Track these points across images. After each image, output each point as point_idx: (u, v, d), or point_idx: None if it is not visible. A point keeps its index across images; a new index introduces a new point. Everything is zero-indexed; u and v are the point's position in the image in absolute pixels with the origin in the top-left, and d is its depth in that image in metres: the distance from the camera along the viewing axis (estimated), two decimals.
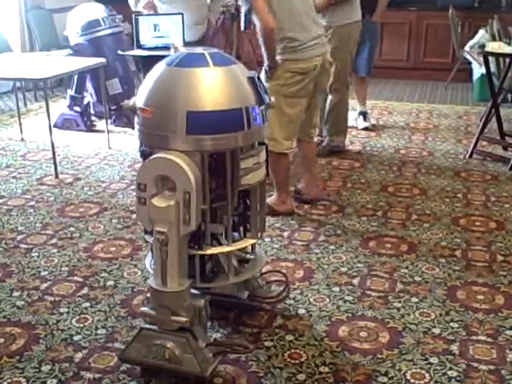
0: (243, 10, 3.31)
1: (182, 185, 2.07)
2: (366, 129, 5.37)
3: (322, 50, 3.39)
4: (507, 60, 4.79)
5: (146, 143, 2.24)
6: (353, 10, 4.41)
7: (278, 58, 3.31)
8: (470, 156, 4.67)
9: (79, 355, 2.36)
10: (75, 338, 2.46)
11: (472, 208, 3.76)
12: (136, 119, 2.23)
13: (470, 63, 6.67)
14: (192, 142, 2.09)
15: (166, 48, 4.29)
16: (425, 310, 2.66)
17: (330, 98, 4.51)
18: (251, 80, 2.20)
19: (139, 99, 2.20)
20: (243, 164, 2.21)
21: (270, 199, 3.54)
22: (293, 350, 2.40)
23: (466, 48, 6.49)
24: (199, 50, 2.27)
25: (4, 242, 3.29)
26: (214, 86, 2.13)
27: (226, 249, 2.30)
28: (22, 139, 5.12)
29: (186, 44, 4.54)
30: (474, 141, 4.70)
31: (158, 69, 2.20)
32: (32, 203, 3.82)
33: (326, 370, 2.28)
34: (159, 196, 2.12)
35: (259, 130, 2.23)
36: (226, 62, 2.21)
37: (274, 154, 3.21)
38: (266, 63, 3.31)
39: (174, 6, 4.75)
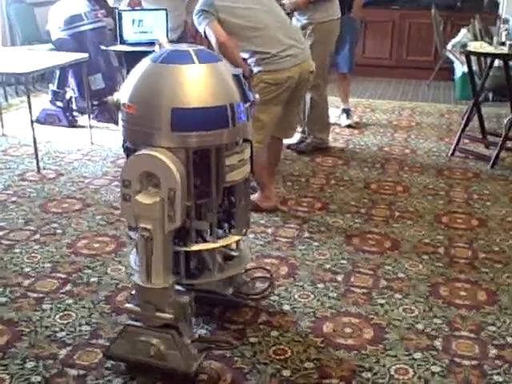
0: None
1: (167, 181, 2.06)
2: (349, 126, 5.40)
3: (296, 60, 3.40)
4: (489, 59, 4.83)
5: (130, 139, 2.23)
6: (333, 7, 4.48)
7: (253, 68, 3.35)
8: (452, 154, 4.71)
9: (63, 352, 2.35)
10: (59, 335, 2.45)
11: (454, 205, 3.80)
12: (120, 115, 2.22)
13: (452, 62, 6.73)
14: (177, 138, 2.09)
15: (150, 43, 4.30)
16: (408, 306, 2.69)
17: (308, 95, 4.51)
18: (236, 77, 2.20)
19: (123, 95, 2.18)
20: (228, 161, 2.20)
21: (254, 196, 3.55)
22: (278, 346, 2.40)
23: (448, 47, 6.54)
24: (184, 46, 2.27)
25: None
26: (199, 83, 2.12)
27: (210, 245, 2.29)
28: (3, 134, 5.07)
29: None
30: (455, 139, 4.75)
31: (143, 65, 2.19)
32: (14, 199, 3.79)
33: (311, 365, 2.30)
34: (144, 192, 2.11)
35: (244, 127, 2.23)
36: (211, 59, 2.21)
37: None
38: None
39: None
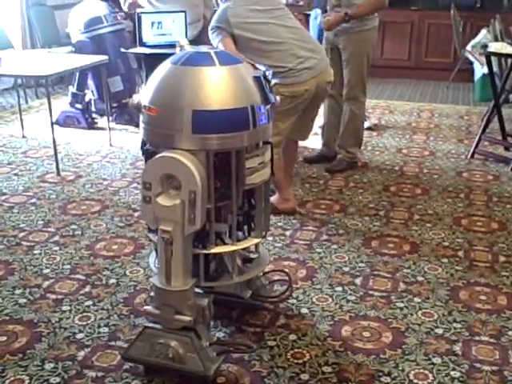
0: None
1: (188, 184, 2.06)
2: (367, 128, 5.36)
3: (313, 72, 3.39)
4: (510, 60, 4.79)
5: (151, 142, 2.24)
6: (372, 17, 4.27)
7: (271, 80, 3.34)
8: (472, 156, 4.67)
9: (82, 353, 2.36)
10: (78, 336, 2.46)
11: (474, 208, 3.76)
12: (141, 117, 2.22)
13: (471, 63, 6.68)
14: (198, 141, 2.09)
15: (169, 46, 4.30)
16: (427, 310, 2.67)
17: (347, 106, 4.35)
18: (257, 79, 2.20)
19: (144, 97, 2.19)
20: (248, 163, 2.20)
21: (273, 198, 3.54)
22: (296, 350, 2.40)
23: (468, 48, 6.49)
24: (205, 48, 2.27)
25: (6, 239, 3.29)
26: (220, 85, 2.12)
27: (230, 248, 2.29)
28: (24, 136, 5.11)
29: None
30: (475, 141, 4.71)
31: (164, 67, 2.20)
32: (33, 200, 3.82)
33: (329, 369, 2.28)
34: (164, 195, 2.12)
35: (264, 130, 2.23)
36: (231, 61, 2.21)
37: None
38: None
39: (168, 6, 4.74)
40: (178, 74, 2.14)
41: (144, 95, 2.20)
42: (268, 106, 2.22)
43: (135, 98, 2.25)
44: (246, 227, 2.41)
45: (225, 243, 2.30)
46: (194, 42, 4.70)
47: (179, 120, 2.08)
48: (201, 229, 2.16)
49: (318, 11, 5.11)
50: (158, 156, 2.12)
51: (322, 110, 4.58)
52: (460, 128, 5.51)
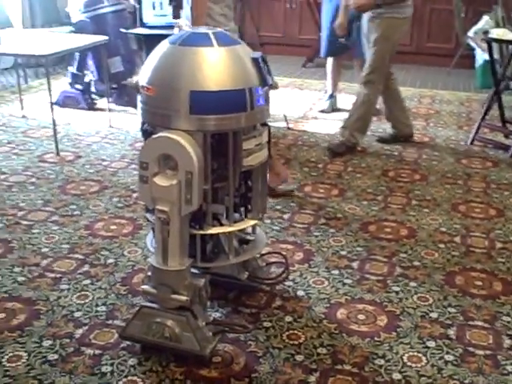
0: None
1: (185, 164, 2.07)
2: None
3: None
4: (511, 47, 4.77)
5: (149, 122, 2.24)
6: (405, 5, 4.22)
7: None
8: (472, 142, 4.67)
9: (80, 331, 2.38)
10: (76, 315, 2.48)
11: (472, 194, 3.77)
12: (139, 98, 2.22)
13: (473, 49, 6.64)
14: (195, 121, 2.09)
15: (169, 27, 4.27)
16: (423, 295, 2.68)
17: (361, 90, 4.34)
18: (255, 61, 2.18)
19: (142, 77, 2.19)
20: (245, 145, 2.20)
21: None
22: (291, 331, 2.41)
23: (470, 34, 6.46)
24: (203, 29, 2.27)
25: (5, 218, 3.30)
26: (217, 66, 2.12)
27: (227, 229, 2.30)
28: (23, 116, 5.11)
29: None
30: (475, 127, 4.71)
31: (162, 47, 2.19)
32: (33, 180, 3.83)
33: (324, 351, 2.30)
34: (161, 175, 2.12)
35: (262, 111, 2.22)
36: (230, 42, 2.20)
37: None
38: None
39: None
40: (176, 54, 2.14)
41: (142, 75, 2.20)
42: (265, 88, 2.21)
43: (134, 78, 2.25)
44: (243, 209, 2.42)
45: (222, 224, 2.31)
46: None
47: (176, 100, 2.08)
48: (198, 209, 2.16)
49: None
50: (155, 136, 2.12)
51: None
52: (460, 114, 5.50)
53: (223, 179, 2.24)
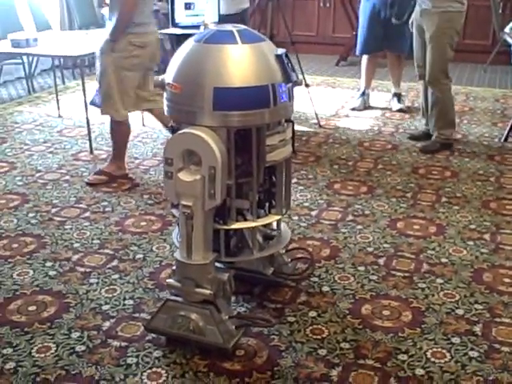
0: None
1: (208, 160, 2.11)
2: (400, 110, 5.33)
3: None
4: None
5: (174, 118, 2.28)
6: None
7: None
8: (505, 139, 4.60)
9: (107, 324, 2.44)
10: (104, 308, 2.54)
11: (504, 192, 3.72)
12: (165, 95, 2.27)
13: (510, 45, 6.52)
14: (218, 117, 2.12)
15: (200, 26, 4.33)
16: (449, 292, 2.66)
17: (430, 90, 4.32)
18: (279, 57, 2.21)
19: (168, 75, 2.23)
20: (269, 141, 2.23)
21: (106, 166, 3.86)
22: (315, 326, 2.43)
23: (506, 30, 6.34)
24: (228, 27, 2.29)
25: (39, 214, 3.39)
26: (241, 63, 2.15)
27: (250, 224, 2.33)
28: (60, 116, 5.23)
29: (222, 16, 4.56)
30: (509, 124, 4.63)
31: (187, 45, 2.23)
32: (67, 178, 3.92)
33: (347, 346, 2.31)
34: (185, 170, 2.16)
35: (285, 108, 2.24)
36: (254, 39, 2.23)
37: (114, 122, 3.81)
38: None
39: None
40: (200, 52, 2.17)
41: (168, 73, 2.25)
42: (289, 84, 2.23)
43: (160, 77, 2.29)
44: (267, 204, 2.44)
45: (246, 219, 2.34)
46: (237, 15, 4.69)
47: (201, 97, 2.11)
48: (222, 205, 2.20)
49: None
50: (179, 132, 2.16)
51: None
52: (495, 111, 5.42)
53: (247, 175, 2.27)
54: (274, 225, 2.54)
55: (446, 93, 4.34)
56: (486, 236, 3.16)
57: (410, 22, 4.46)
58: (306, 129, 4.86)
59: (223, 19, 4.62)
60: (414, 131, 4.76)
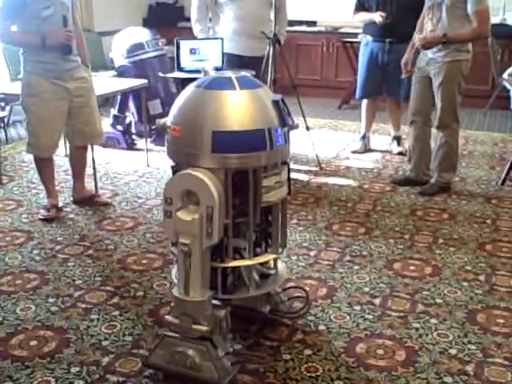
0: None
1: (206, 200, 2.19)
2: (399, 153, 5.43)
3: None
4: None
5: (174, 160, 2.38)
6: (467, 46, 4.25)
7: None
8: (503, 183, 4.68)
9: (106, 359, 2.49)
10: (103, 343, 2.59)
11: (500, 234, 3.78)
12: (166, 137, 2.37)
13: (508, 91, 6.66)
14: (217, 159, 2.22)
15: None
16: (443, 332, 2.71)
17: (438, 133, 4.41)
18: (275, 103, 2.31)
19: (170, 118, 2.34)
20: (266, 182, 2.32)
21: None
22: (310, 364, 2.47)
23: (504, 76, 6.48)
24: (228, 73, 2.41)
25: (43, 251, 3.47)
26: (239, 108, 2.25)
27: (247, 262, 2.40)
28: (66, 155, 5.33)
29: (247, 59, 4.71)
30: (506, 167, 4.71)
31: (188, 90, 2.35)
32: (72, 216, 4.01)
33: None
34: (184, 209, 2.25)
35: (281, 150, 2.34)
36: (251, 85, 2.34)
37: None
38: None
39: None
40: (200, 97, 2.28)
41: (170, 116, 2.35)
42: (285, 128, 2.33)
43: (161, 120, 2.40)
44: (263, 243, 2.51)
45: (243, 258, 2.41)
46: (260, 59, 4.78)
47: (200, 140, 2.21)
48: (219, 243, 2.28)
49: (369, 38, 5.21)
50: (179, 173, 2.25)
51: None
52: (493, 155, 5.51)
53: (244, 214, 2.35)
54: (271, 263, 2.61)
55: (454, 137, 4.42)
56: (481, 277, 3.21)
57: (402, 63, 4.58)
58: (306, 170, 4.96)
59: (246, 61, 4.75)
60: (398, 175, 4.84)
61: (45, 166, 4.05)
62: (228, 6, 4.88)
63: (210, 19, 5.09)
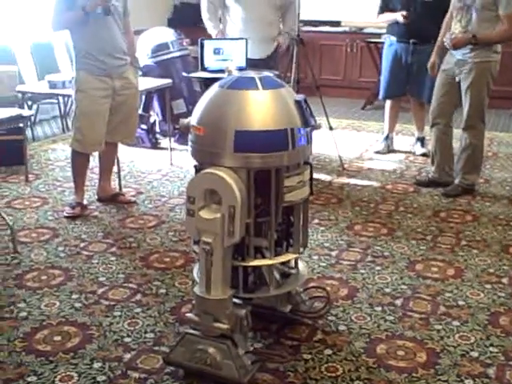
0: None
1: (228, 199, 2.21)
2: (423, 155, 5.40)
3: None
4: None
5: (198, 159, 2.40)
6: (496, 47, 4.23)
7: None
8: None
9: (128, 356, 2.52)
10: (125, 340, 2.62)
11: None
12: (189, 136, 2.39)
13: None
14: (239, 159, 2.23)
15: None
16: (465, 334, 2.69)
17: (463, 135, 4.38)
18: (298, 103, 2.32)
19: (193, 118, 2.36)
20: (287, 182, 2.33)
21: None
22: (330, 364, 2.48)
23: None
24: (251, 73, 2.42)
25: (68, 248, 3.52)
26: (261, 108, 2.26)
27: (268, 262, 2.41)
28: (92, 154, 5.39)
29: (250, 61, 4.73)
30: None
31: (212, 90, 2.36)
32: (96, 213, 4.06)
33: None
34: (206, 208, 2.27)
35: (304, 150, 2.35)
36: (274, 85, 2.35)
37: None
38: None
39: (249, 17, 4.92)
40: (223, 97, 2.30)
41: (193, 116, 2.37)
42: (308, 129, 2.33)
43: (185, 120, 2.43)
44: (285, 242, 2.52)
45: (264, 257, 2.42)
46: (262, 61, 4.85)
47: (223, 139, 2.23)
48: (240, 242, 2.29)
49: (393, 38, 5.19)
50: (201, 172, 2.27)
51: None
52: None
53: (266, 214, 2.36)
54: (292, 263, 2.62)
55: (479, 138, 4.39)
56: (504, 280, 3.19)
57: (428, 66, 4.55)
58: (329, 171, 4.96)
59: (251, 64, 4.80)
60: (421, 177, 4.82)
61: (81, 163, 4.09)
62: (234, 9, 4.94)
63: (220, 19, 5.14)
